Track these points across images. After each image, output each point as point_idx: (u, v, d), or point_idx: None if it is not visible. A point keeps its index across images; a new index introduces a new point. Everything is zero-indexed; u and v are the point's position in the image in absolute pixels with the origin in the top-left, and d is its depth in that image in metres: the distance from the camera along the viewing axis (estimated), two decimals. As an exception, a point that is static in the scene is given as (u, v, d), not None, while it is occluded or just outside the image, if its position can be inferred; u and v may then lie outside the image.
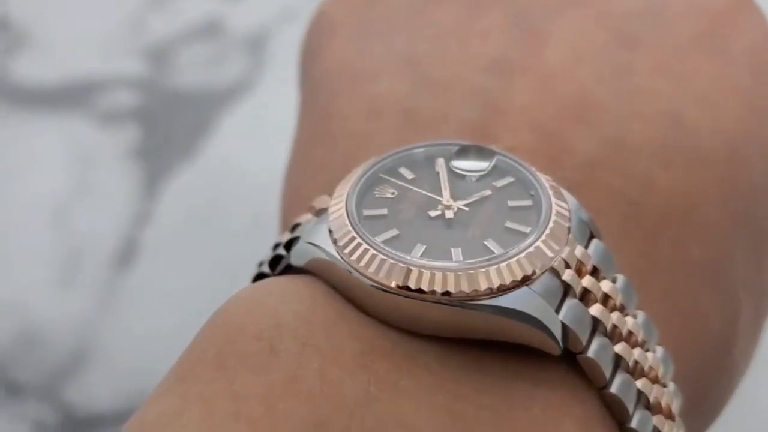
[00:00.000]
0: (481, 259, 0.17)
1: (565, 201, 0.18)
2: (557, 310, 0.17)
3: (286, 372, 0.16)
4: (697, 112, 0.21)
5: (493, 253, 0.17)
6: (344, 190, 0.18)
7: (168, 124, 0.40)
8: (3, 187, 0.38)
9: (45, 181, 0.38)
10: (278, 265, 0.19)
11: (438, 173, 0.19)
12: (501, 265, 0.17)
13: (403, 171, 0.19)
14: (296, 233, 0.19)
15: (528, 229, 0.17)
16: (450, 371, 0.16)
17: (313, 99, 0.24)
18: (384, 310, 0.17)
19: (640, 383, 0.18)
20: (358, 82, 0.23)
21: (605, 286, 0.18)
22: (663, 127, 0.21)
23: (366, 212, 0.18)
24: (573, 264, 0.17)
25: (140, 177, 0.38)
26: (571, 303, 0.17)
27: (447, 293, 0.16)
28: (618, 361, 0.18)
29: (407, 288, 0.17)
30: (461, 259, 0.17)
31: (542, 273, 0.17)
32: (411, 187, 0.18)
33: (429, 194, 0.18)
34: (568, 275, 0.17)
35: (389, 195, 0.18)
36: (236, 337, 0.16)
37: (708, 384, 0.21)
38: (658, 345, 0.19)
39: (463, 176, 0.19)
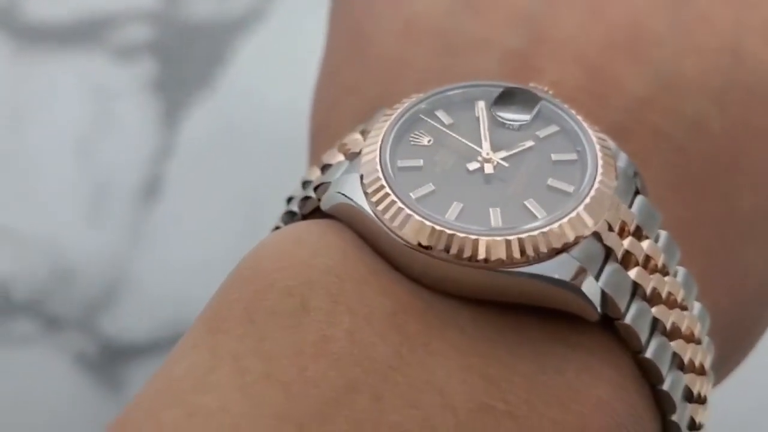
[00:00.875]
0: (521, 226, 0.16)
1: (612, 156, 0.17)
2: (597, 276, 0.16)
3: (316, 331, 0.15)
4: (759, 46, 0.19)
5: (535, 217, 0.16)
6: (378, 134, 0.17)
7: (184, 56, 0.39)
8: (24, 125, 0.38)
9: (66, 118, 0.38)
10: (306, 205, 0.18)
11: (478, 119, 0.17)
12: (541, 232, 0.16)
13: (441, 114, 0.18)
14: (327, 177, 0.18)
15: (571, 189, 0.16)
16: (484, 333, 0.16)
17: (344, 12, 0.22)
18: (416, 269, 0.16)
19: (675, 344, 0.17)
20: None
21: (647, 246, 0.17)
22: (721, 62, 0.19)
23: (401, 163, 0.17)
24: (616, 225, 0.17)
25: (159, 110, 0.38)
26: (611, 268, 0.16)
27: (484, 260, 0.16)
28: (655, 323, 0.17)
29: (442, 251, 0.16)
30: (500, 223, 0.16)
31: (584, 238, 0.16)
32: (449, 132, 0.17)
33: (467, 143, 0.17)
34: (610, 238, 0.16)
35: (425, 143, 0.17)
36: (266, 291, 0.16)
37: (742, 335, 0.20)
38: (696, 300, 0.18)
39: (504, 123, 0.18)
